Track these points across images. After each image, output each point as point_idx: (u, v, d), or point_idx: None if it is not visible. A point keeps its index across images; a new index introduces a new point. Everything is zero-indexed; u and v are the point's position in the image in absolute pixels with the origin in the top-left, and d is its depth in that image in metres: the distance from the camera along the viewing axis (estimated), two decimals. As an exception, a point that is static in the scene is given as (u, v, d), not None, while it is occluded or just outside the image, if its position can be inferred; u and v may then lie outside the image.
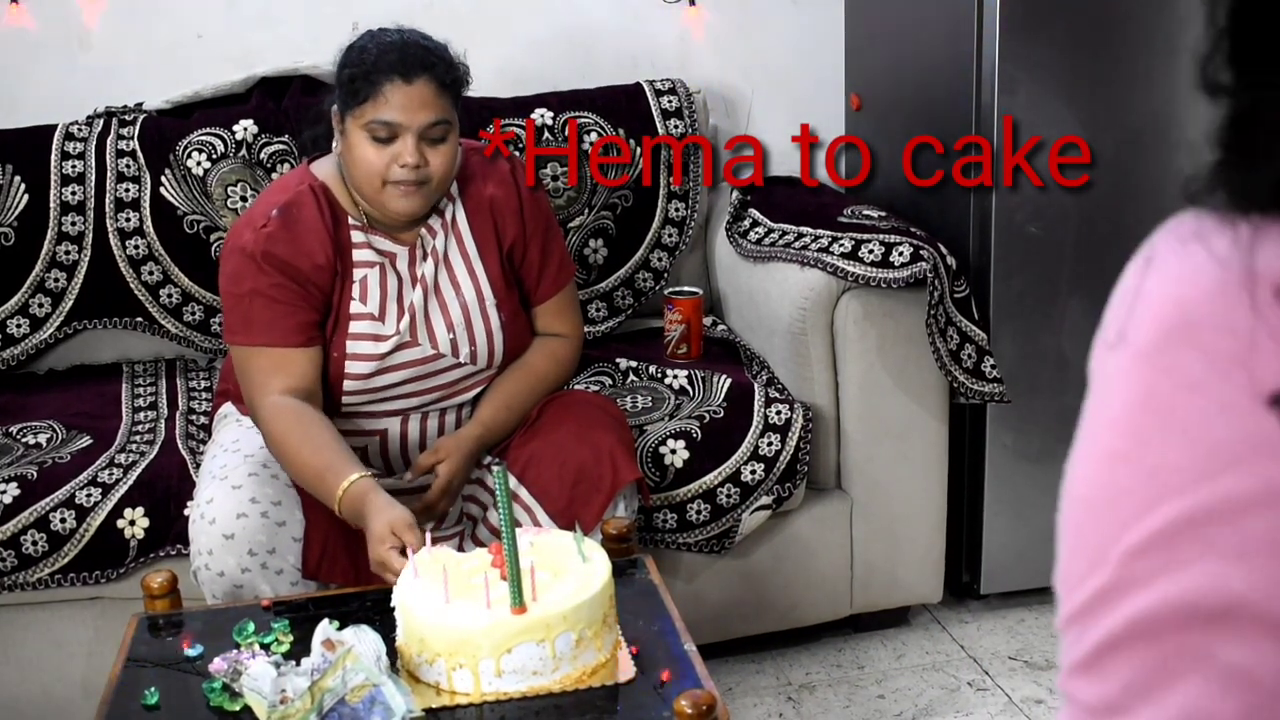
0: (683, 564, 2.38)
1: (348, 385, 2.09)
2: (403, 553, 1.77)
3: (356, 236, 2.08)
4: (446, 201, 2.13)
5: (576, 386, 2.45)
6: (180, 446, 2.30)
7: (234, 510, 1.94)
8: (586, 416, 2.14)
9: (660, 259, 2.83)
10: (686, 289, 2.70)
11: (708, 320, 2.77)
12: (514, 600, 1.56)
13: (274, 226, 2.03)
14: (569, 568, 1.65)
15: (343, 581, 1.99)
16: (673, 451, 2.31)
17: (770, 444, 2.34)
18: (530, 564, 1.60)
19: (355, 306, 2.07)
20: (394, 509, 1.83)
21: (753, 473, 2.33)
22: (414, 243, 2.11)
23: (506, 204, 2.15)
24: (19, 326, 2.62)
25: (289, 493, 1.99)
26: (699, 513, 2.32)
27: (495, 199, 2.15)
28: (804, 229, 2.56)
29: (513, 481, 2.07)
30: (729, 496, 2.33)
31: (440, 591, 1.60)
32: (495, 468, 1.61)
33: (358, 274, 2.07)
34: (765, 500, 2.35)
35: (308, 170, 2.12)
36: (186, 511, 2.16)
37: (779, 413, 2.36)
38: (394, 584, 1.71)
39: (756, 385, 2.43)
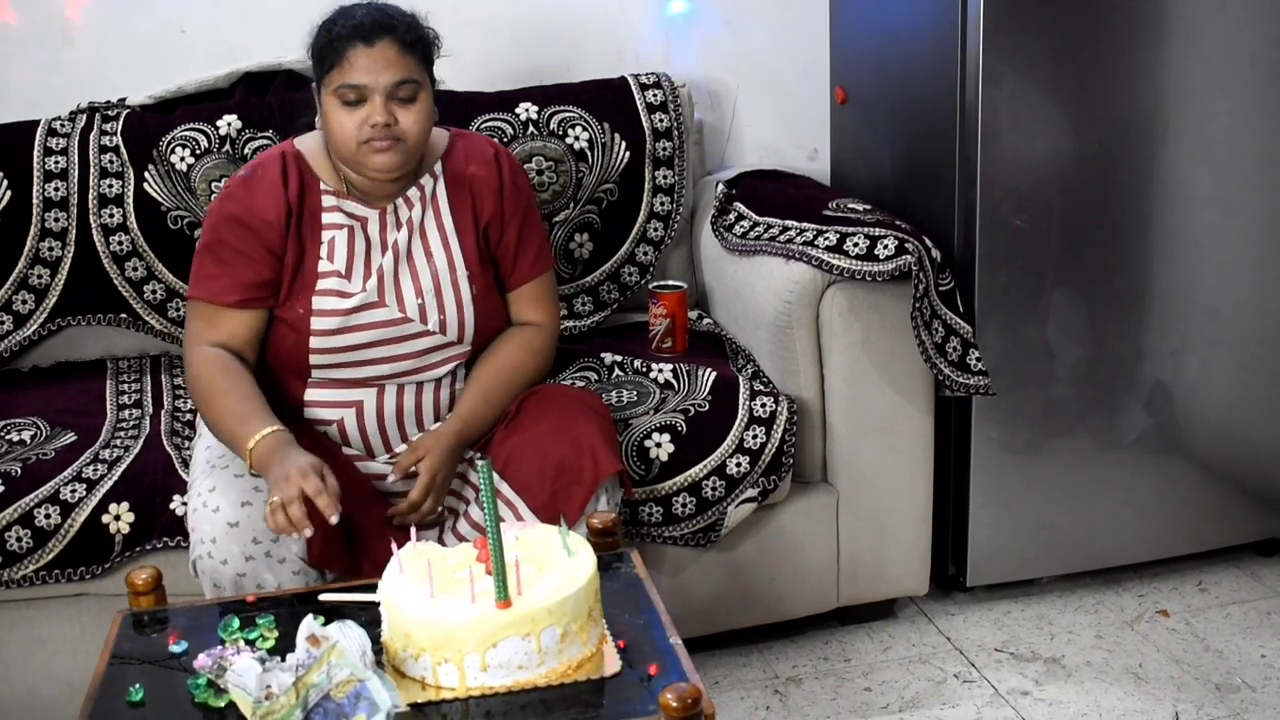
0: (669, 558, 2.38)
1: (314, 343, 2.11)
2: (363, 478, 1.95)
3: (327, 200, 2.13)
4: (428, 177, 2.17)
5: (562, 382, 2.46)
6: (165, 443, 2.30)
7: (238, 498, 1.96)
8: (567, 410, 2.15)
9: (646, 253, 2.83)
10: (671, 283, 2.70)
11: (694, 314, 2.77)
12: (499, 595, 1.56)
13: (234, 185, 2.13)
14: (554, 562, 1.65)
15: (342, 570, 2.00)
16: (658, 445, 2.31)
17: (755, 437, 2.34)
18: (515, 558, 1.60)
19: (323, 265, 2.11)
20: (304, 457, 1.90)
21: (738, 465, 2.33)
22: (386, 207, 2.14)
23: (487, 183, 2.19)
24: (2, 324, 2.61)
25: None
26: (684, 506, 2.33)
27: (476, 177, 2.19)
28: (789, 222, 2.56)
29: (495, 476, 2.07)
30: (714, 489, 2.33)
31: (425, 586, 1.60)
32: (479, 462, 1.60)
33: (326, 235, 2.12)
34: (751, 493, 2.35)
35: (290, 142, 2.19)
36: (173, 506, 2.17)
37: (764, 405, 2.36)
38: (285, 530, 1.85)
39: (741, 379, 2.43)
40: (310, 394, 2.16)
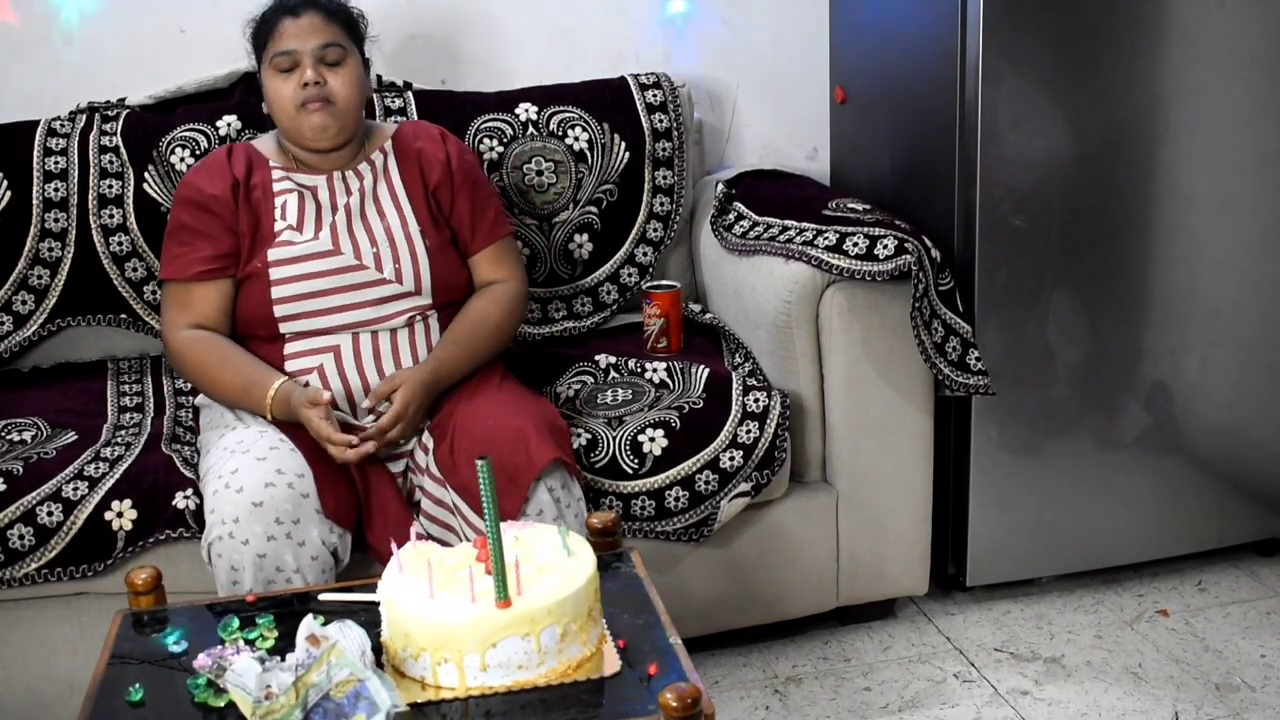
0: (668, 557, 2.38)
1: (276, 293, 2.23)
2: (346, 428, 2.12)
3: (277, 174, 2.31)
4: (378, 153, 2.35)
5: (558, 386, 2.47)
6: (165, 448, 2.30)
7: (262, 479, 2.01)
8: (505, 402, 2.20)
9: (645, 254, 2.83)
10: (665, 283, 2.70)
11: (696, 306, 2.78)
12: (499, 594, 1.56)
13: (186, 176, 2.33)
14: (554, 561, 1.65)
15: (351, 527, 2.11)
16: (651, 440, 2.31)
17: (749, 431, 2.34)
18: (515, 558, 1.60)
19: (278, 225, 2.26)
20: (303, 394, 2.13)
21: (731, 459, 2.34)
22: (332, 173, 2.31)
23: (433, 155, 2.36)
24: (2, 324, 2.62)
25: (307, 465, 2.07)
26: (677, 500, 2.33)
27: (423, 150, 2.37)
28: (788, 222, 2.56)
29: (436, 473, 2.16)
30: (708, 484, 2.33)
31: (425, 586, 1.60)
32: (479, 462, 1.60)
33: (278, 200, 2.28)
34: (744, 487, 2.35)
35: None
36: (176, 502, 2.17)
37: (757, 400, 2.36)
38: (338, 455, 2.09)
39: (735, 375, 2.43)
40: (288, 349, 2.24)
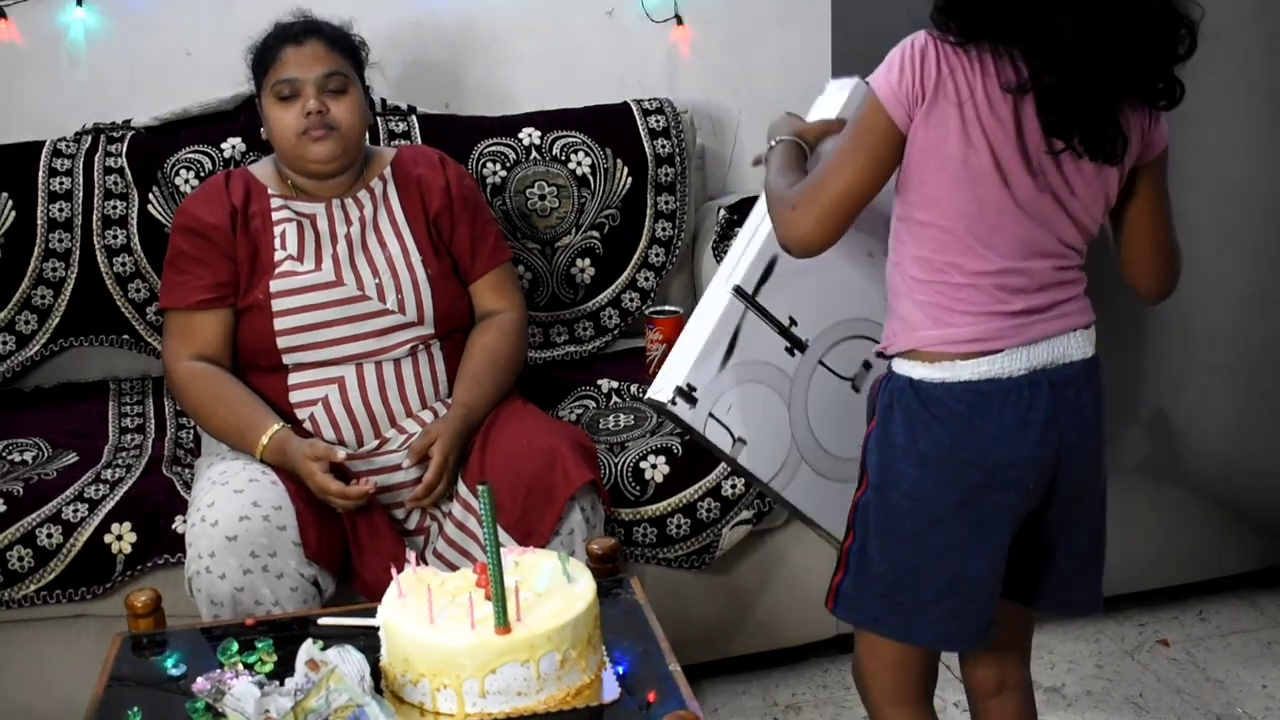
0: (668, 583, 2.38)
1: (279, 324, 2.20)
2: (339, 476, 2.07)
3: (275, 203, 2.28)
4: (378, 180, 2.33)
5: (561, 411, 2.47)
6: (166, 470, 2.30)
7: (236, 513, 1.99)
8: (536, 426, 2.20)
9: (647, 278, 2.84)
10: (668, 308, 2.70)
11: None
12: (498, 620, 1.56)
13: (183, 203, 2.32)
14: (554, 587, 1.65)
15: (335, 573, 2.07)
16: (653, 466, 2.31)
17: (754, 461, 2.34)
18: (515, 583, 1.60)
19: (278, 254, 2.24)
20: (306, 445, 2.10)
21: (733, 487, 2.33)
22: (331, 201, 2.29)
23: (433, 181, 2.35)
24: (5, 344, 2.62)
25: (287, 498, 2.05)
26: (679, 527, 2.33)
27: (423, 177, 2.35)
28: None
29: (469, 498, 2.14)
30: (709, 511, 2.33)
31: (424, 611, 1.60)
32: (480, 488, 1.61)
33: (277, 229, 2.26)
34: (745, 515, 2.35)
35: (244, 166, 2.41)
36: (175, 525, 2.17)
37: (763, 431, 2.36)
38: (340, 504, 2.06)
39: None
40: (292, 380, 2.22)
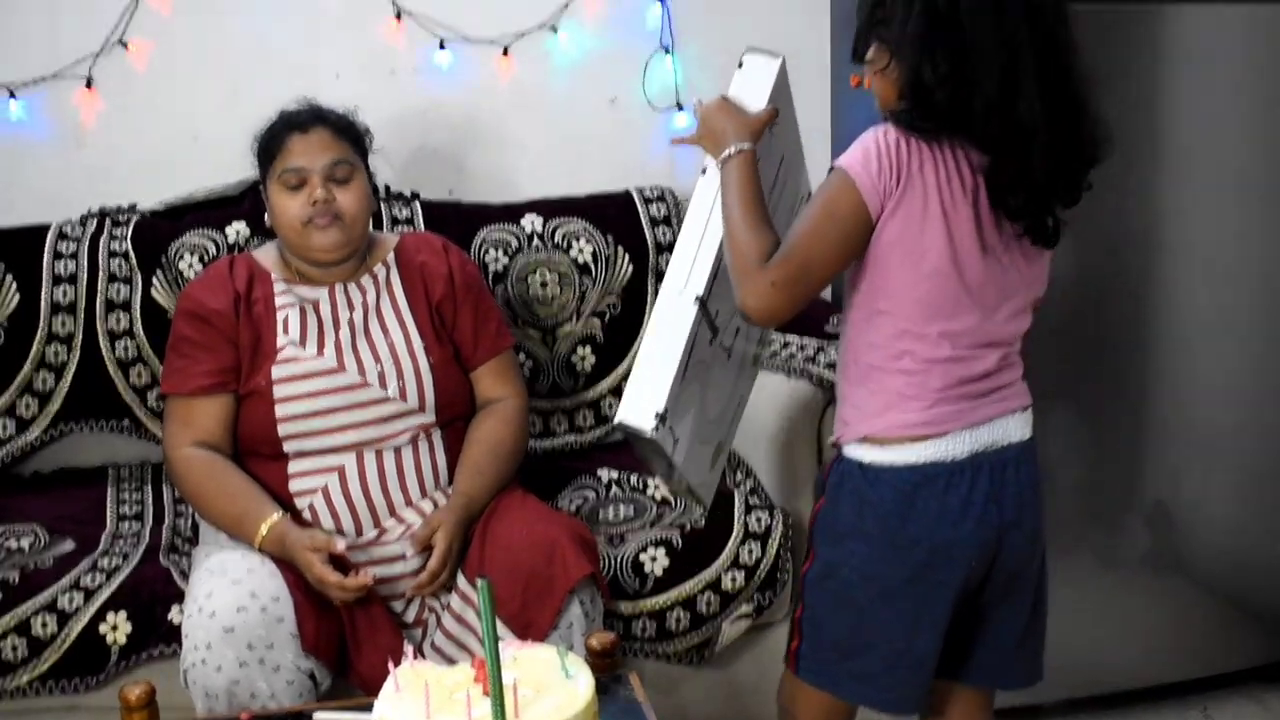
0: (667, 678, 2.36)
1: (280, 411, 2.20)
2: (337, 567, 2.05)
3: (279, 287, 2.30)
4: (381, 266, 2.35)
5: (560, 501, 2.46)
6: (162, 558, 2.29)
7: (234, 603, 1.98)
8: (533, 515, 2.20)
9: (648, 365, 2.83)
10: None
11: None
12: (496, 717, 1.54)
13: (187, 288, 2.35)
14: (552, 684, 1.63)
15: (331, 664, 2.05)
16: (653, 559, 2.30)
17: (750, 551, 2.33)
18: (513, 679, 1.59)
19: (280, 340, 2.24)
20: (306, 535, 2.08)
21: (733, 580, 2.32)
22: (334, 286, 2.30)
23: (436, 269, 2.36)
24: (5, 428, 2.61)
25: (285, 588, 2.03)
26: (678, 621, 2.31)
27: (426, 264, 2.37)
28: (790, 336, 2.57)
29: (468, 590, 2.12)
30: (709, 605, 2.32)
31: (421, 707, 1.58)
32: (479, 582, 1.59)
33: (280, 314, 2.27)
34: (746, 609, 2.34)
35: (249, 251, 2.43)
36: (171, 615, 2.15)
37: (759, 520, 2.36)
38: (338, 596, 2.05)
39: (737, 493, 2.42)
40: (292, 469, 2.21)
